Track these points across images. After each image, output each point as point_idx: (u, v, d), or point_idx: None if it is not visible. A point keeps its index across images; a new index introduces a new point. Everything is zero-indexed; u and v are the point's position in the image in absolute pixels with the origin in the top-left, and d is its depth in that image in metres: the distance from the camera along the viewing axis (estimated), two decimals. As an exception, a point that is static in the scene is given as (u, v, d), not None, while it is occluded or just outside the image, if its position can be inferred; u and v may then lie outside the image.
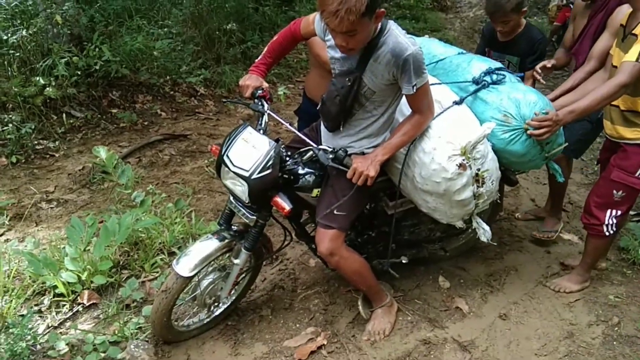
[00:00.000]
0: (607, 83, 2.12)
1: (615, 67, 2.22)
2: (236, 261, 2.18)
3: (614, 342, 2.32)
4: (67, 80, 4.61)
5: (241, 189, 1.96)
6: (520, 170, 2.51)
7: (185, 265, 2.02)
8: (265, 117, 2.11)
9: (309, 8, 8.59)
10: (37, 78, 4.51)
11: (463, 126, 2.06)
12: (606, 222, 2.43)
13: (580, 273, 2.68)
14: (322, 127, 2.21)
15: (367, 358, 2.20)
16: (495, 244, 2.54)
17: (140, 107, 5.37)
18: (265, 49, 2.21)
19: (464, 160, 1.99)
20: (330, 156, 1.89)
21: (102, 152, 3.04)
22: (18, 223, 3.29)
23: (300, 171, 2.07)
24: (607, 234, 2.46)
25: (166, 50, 5.54)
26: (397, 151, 2.01)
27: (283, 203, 2.01)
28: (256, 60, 2.22)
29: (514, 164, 2.27)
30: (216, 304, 2.32)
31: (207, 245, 2.09)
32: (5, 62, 4.51)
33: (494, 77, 2.24)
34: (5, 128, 4.19)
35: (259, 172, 1.91)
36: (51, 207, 3.58)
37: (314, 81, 2.75)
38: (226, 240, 2.13)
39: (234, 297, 2.41)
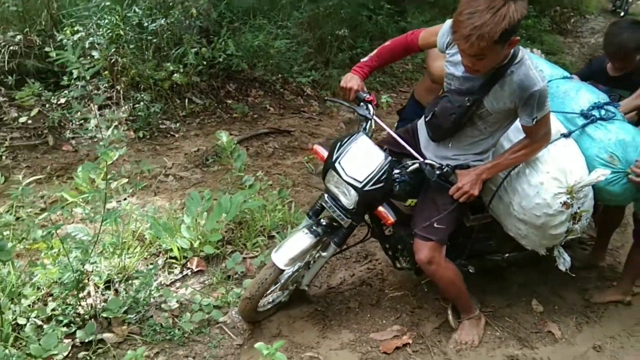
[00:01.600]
0: None
1: None
2: (324, 254, 2.28)
3: None
4: (193, 69, 5.05)
5: (348, 197, 2.02)
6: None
7: (282, 258, 2.11)
8: (371, 123, 2.14)
9: (421, 20, 8.61)
10: (168, 64, 4.99)
11: (572, 164, 2.05)
12: None
13: (623, 284, 2.55)
14: (423, 134, 2.23)
15: None
16: (573, 275, 2.49)
17: (252, 100, 5.74)
18: (374, 51, 2.21)
19: (568, 199, 2.01)
20: (437, 172, 1.95)
21: (224, 136, 3.33)
22: (140, 191, 3.69)
23: (399, 179, 2.09)
24: None
25: (282, 49, 5.85)
26: (503, 171, 2.05)
27: (388, 214, 2.07)
28: (361, 60, 2.23)
29: (607, 200, 2.24)
30: (294, 287, 2.46)
31: (303, 241, 2.15)
32: (143, 47, 5.03)
33: (602, 112, 2.19)
34: (137, 106, 4.68)
35: (372, 185, 1.96)
36: (169, 181, 3.96)
37: (425, 86, 2.82)
38: (319, 237, 2.18)
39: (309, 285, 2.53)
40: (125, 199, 3.48)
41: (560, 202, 2.00)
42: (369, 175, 1.97)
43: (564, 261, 2.29)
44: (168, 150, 4.51)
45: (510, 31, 1.66)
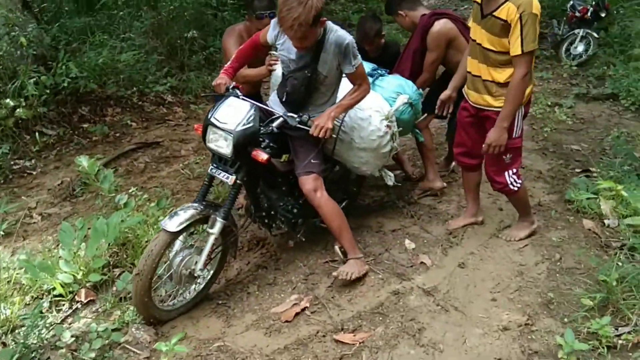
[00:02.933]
0: (512, 82, 2.46)
1: (473, 40, 2.61)
2: (212, 230, 2.45)
3: (557, 275, 2.66)
4: (36, 99, 4.73)
5: (226, 144, 2.35)
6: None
7: (171, 224, 2.30)
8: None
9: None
10: (7, 100, 4.63)
11: (380, 102, 2.89)
12: (509, 182, 2.78)
13: (522, 221, 3.04)
14: (279, 111, 2.62)
15: (346, 312, 2.49)
16: (399, 183, 3.40)
17: (110, 119, 5.52)
18: (233, 55, 2.70)
19: (388, 122, 2.85)
20: (297, 119, 2.46)
21: (84, 161, 3.22)
22: (5, 240, 3.44)
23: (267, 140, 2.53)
24: (515, 189, 2.81)
25: (131, 62, 5.69)
26: (346, 111, 2.59)
27: (262, 153, 2.41)
28: (226, 65, 2.68)
29: (402, 129, 3.07)
30: (194, 279, 2.51)
31: (189, 209, 2.40)
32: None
33: (378, 72, 3.12)
34: (-18, 151, 4.30)
35: (243, 126, 2.34)
36: (35, 222, 3.73)
37: None
38: (203, 208, 2.44)
39: (211, 273, 2.62)
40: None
41: (385, 125, 2.82)
42: (240, 120, 2.36)
43: (390, 177, 3.10)
44: (28, 190, 4.22)
45: (318, 15, 2.22)
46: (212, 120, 2.40)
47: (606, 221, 3.06)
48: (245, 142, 2.37)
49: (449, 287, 2.60)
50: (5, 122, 4.61)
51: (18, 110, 4.64)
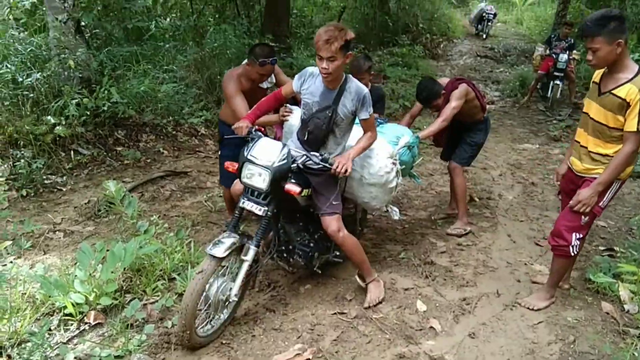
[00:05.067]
0: (619, 154, 2.58)
1: (586, 113, 2.74)
2: (246, 257, 2.64)
3: (569, 358, 2.55)
4: (76, 119, 4.94)
5: (262, 179, 2.59)
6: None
7: (218, 250, 2.50)
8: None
9: (306, 54, 9.13)
10: (49, 117, 4.84)
11: (384, 144, 3.21)
12: (572, 244, 2.79)
13: (547, 290, 3.01)
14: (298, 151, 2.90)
15: None
16: (409, 216, 3.66)
17: (144, 145, 5.70)
18: (256, 105, 3.01)
19: (394, 160, 3.15)
20: (320, 157, 2.75)
21: (112, 185, 3.32)
22: (27, 251, 3.53)
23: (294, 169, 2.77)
24: (572, 254, 2.82)
25: (170, 93, 5.91)
26: (359, 154, 2.88)
27: (295, 186, 2.66)
28: (248, 112, 3.01)
29: (403, 168, 3.33)
30: (226, 305, 2.67)
31: (228, 238, 2.59)
32: (20, 102, 4.85)
33: (379, 120, 3.43)
34: (17, 163, 4.48)
35: (278, 162, 2.60)
36: (58, 238, 3.83)
37: (229, 111, 3.53)
38: (239, 238, 2.63)
39: (239, 297, 2.72)
40: (10, 262, 3.33)
41: (391, 162, 3.12)
42: (276, 157, 2.62)
43: (395, 212, 3.36)
44: (56, 206, 4.35)
45: (348, 44, 2.61)
46: (249, 157, 2.63)
47: (626, 306, 2.96)
48: (280, 177, 2.62)
49: (456, 358, 2.53)
50: (43, 138, 4.81)
51: (57, 127, 4.84)
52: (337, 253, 3.27)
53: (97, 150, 5.25)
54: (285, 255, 3.07)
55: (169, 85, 5.87)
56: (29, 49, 4.99)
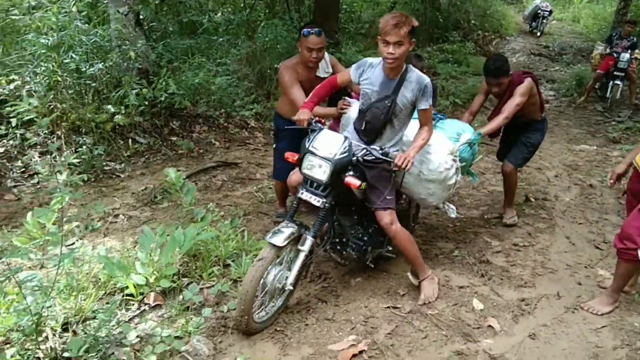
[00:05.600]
0: None
1: None
2: (302, 247, 2.67)
3: (638, 365, 2.43)
4: (134, 109, 5.11)
5: (323, 170, 2.60)
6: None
7: (278, 239, 2.54)
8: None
9: (354, 50, 9.09)
10: (109, 106, 5.03)
11: (444, 139, 3.16)
12: None
13: (610, 295, 2.89)
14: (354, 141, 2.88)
15: None
16: (461, 215, 3.61)
17: (197, 136, 5.83)
18: (312, 93, 3.03)
19: (454, 156, 3.09)
20: (380, 151, 2.74)
21: (172, 173, 3.40)
22: (88, 234, 3.68)
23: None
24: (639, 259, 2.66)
25: (223, 85, 6.02)
26: (419, 150, 2.84)
27: (355, 180, 2.66)
28: (306, 100, 3.02)
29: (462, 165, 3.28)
30: (281, 293, 2.71)
31: (287, 227, 2.63)
32: (82, 91, 5.05)
33: (438, 116, 3.40)
34: (79, 150, 4.67)
35: (340, 155, 2.60)
36: (118, 221, 3.97)
37: (285, 104, 3.59)
38: (297, 228, 2.66)
39: (293, 285, 2.72)
40: (74, 243, 3.47)
41: (451, 159, 3.06)
42: (337, 150, 2.62)
43: (452, 210, 3.33)
44: (115, 191, 4.51)
45: (414, 30, 2.60)
46: (311, 149, 2.64)
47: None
48: (340, 169, 2.63)
49: (516, 358, 2.46)
50: (103, 126, 5.00)
51: (117, 116, 5.02)
52: (390, 248, 3.24)
53: (153, 139, 5.41)
54: (338, 247, 3.07)
55: (223, 78, 5.97)
56: (92, 40, 5.17)
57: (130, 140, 5.19)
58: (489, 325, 2.70)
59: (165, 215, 4.08)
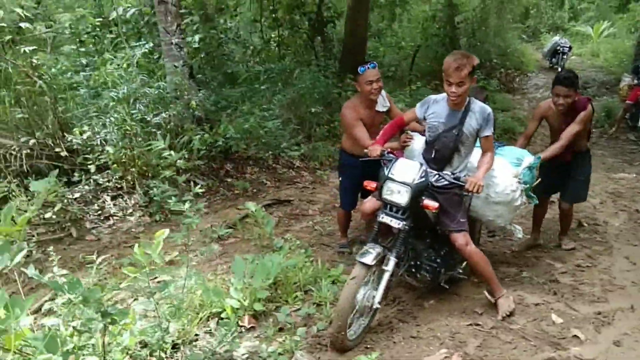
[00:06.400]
0: None
1: None
2: (386, 267, 2.88)
3: None
4: (195, 154, 5.46)
5: (402, 195, 2.85)
6: None
7: (368, 259, 2.76)
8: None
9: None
10: (170, 152, 5.38)
11: (506, 164, 3.39)
12: None
13: None
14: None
15: None
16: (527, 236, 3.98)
17: (249, 176, 6.15)
18: (381, 132, 3.38)
19: (519, 179, 3.31)
20: (453, 176, 2.99)
21: (252, 206, 3.67)
22: (168, 267, 3.92)
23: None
24: None
25: (272, 129, 6.38)
26: (485, 174, 3.04)
27: (431, 202, 2.90)
28: (376, 139, 3.35)
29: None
30: (370, 310, 2.88)
31: (373, 248, 2.85)
32: (150, 138, 5.43)
33: (496, 144, 3.55)
34: (150, 192, 4.99)
35: (418, 180, 2.86)
36: (192, 256, 4.21)
37: (350, 141, 3.86)
38: (382, 249, 2.87)
39: (379, 304, 2.90)
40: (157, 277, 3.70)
41: (516, 182, 3.29)
42: (416, 175, 2.88)
43: (518, 230, 3.55)
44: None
45: (474, 70, 2.89)
46: (390, 176, 2.89)
47: None
48: (419, 193, 2.87)
49: (608, 361, 2.58)
50: (167, 170, 5.34)
51: (179, 161, 5.37)
52: (461, 270, 3.41)
53: (211, 181, 5.73)
54: (413, 270, 3.25)
55: (273, 122, 6.33)
56: (155, 92, 5.60)
57: (192, 183, 5.51)
58: (574, 335, 2.82)
59: (234, 249, 4.32)
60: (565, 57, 13.88)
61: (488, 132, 3.06)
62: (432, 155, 3.17)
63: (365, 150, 3.20)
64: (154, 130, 5.45)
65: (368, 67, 3.58)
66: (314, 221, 5.07)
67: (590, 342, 2.77)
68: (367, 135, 3.63)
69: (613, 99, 10.00)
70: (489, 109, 3.07)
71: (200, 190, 5.39)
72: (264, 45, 9.90)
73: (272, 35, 9.93)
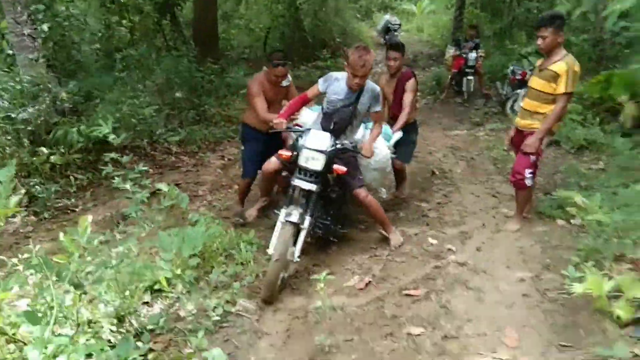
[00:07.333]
0: (554, 110, 3.57)
1: (531, 87, 3.74)
2: (303, 226, 3.30)
3: (548, 250, 3.58)
4: (74, 147, 5.30)
5: (318, 161, 3.29)
6: None
7: (294, 218, 3.21)
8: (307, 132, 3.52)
9: (241, 73, 9.80)
10: (42, 148, 5.16)
11: (382, 139, 3.99)
12: (526, 176, 3.75)
13: (516, 217, 4.02)
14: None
15: (403, 280, 3.30)
16: (390, 197, 4.64)
17: (129, 166, 6.08)
18: (287, 107, 3.75)
19: (390, 149, 4.00)
20: (352, 144, 3.52)
21: (163, 187, 3.85)
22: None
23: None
24: (527, 185, 3.79)
25: (147, 116, 6.37)
26: (375, 141, 3.69)
27: (340, 167, 3.38)
28: (280, 113, 3.69)
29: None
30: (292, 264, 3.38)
31: (297, 209, 3.28)
32: (19, 135, 5.12)
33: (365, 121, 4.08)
34: (33, 190, 4.78)
35: (330, 147, 3.34)
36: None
37: (253, 115, 4.22)
38: (303, 209, 3.29)
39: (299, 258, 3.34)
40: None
41: (390, 152, 3.99)
42: (328, 144, 3.35)
43: (384, 192, 4.23)
44: (75, 224, 4.66)
45: (370, 68, 3.38)
46: (306, 145, 3.34)
47: (572, 221, 4.01)
48: (331, 160, 3.36)
49: (474, 262, 3.47)
50: (42, 167, 5.13)
51: (52, 157, 5.18)
52: (340, 226, 3.91)
53: (91, 174, 5.61)
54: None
55: (148, 109, 6.32)
56: (18, 87, 5.26)
57: (72, 178, 5.34)
58: (448, 249, 3.68)
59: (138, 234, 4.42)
60: (396, 33, 15.53)
61: (378, 107, 3.64)
62: (332, 127, 3.59)
63: (271, 123, 3.59)
64: (22, 127, 5.15)
65: (281, 65, 4.01)
66: (207, 200, 5.33)
67: (460, 252, 3.64)
68: (266, 108, 4.06)
69: (440, 68, 11.60)
70: (377, 88, 3.63)
71: (82, 184, 5.39)
72: (108, 31, 9.46)
73: (123, 21, 9.54)
